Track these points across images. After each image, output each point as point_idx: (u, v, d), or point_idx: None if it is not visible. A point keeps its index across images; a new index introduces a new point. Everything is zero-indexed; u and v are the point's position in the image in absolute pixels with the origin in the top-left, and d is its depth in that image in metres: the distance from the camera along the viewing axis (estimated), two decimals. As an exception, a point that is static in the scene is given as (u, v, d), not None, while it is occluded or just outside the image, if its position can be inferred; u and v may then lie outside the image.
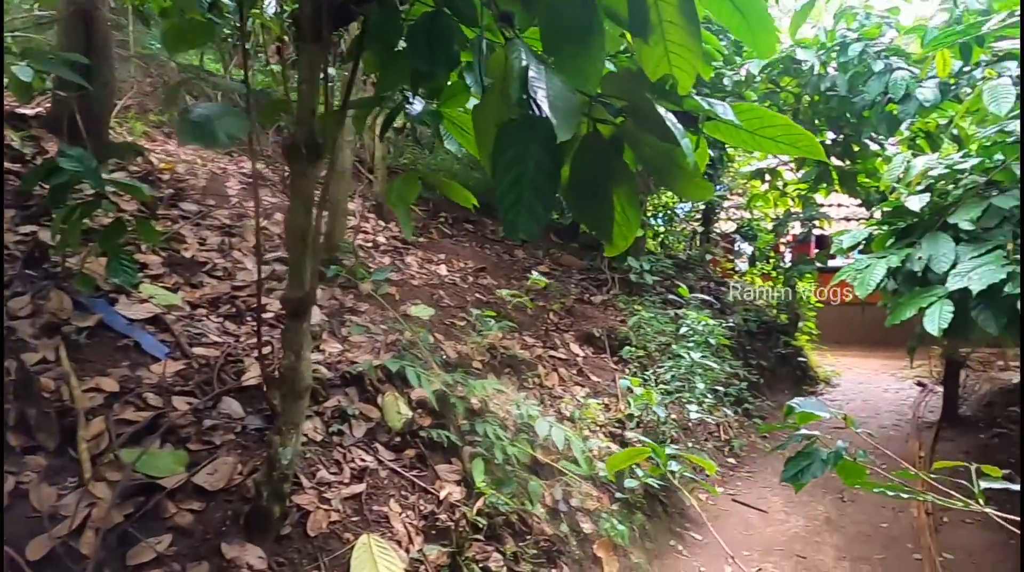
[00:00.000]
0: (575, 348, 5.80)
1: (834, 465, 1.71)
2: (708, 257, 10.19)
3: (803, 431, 1.82)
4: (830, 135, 7.93)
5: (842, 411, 5.99)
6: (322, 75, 2.38)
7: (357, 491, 2.84)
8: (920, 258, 4.22)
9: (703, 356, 5.30)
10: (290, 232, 2.36)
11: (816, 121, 7.61)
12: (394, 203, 2.67)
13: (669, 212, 10.09)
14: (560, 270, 7.49)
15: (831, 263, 9.28)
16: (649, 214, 9.08)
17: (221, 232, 4.66)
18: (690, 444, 5.09)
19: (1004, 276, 3.64)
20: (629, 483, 3.94)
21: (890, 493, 1.57)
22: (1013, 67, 4.88)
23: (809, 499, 4.97)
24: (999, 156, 4.43)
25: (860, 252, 5.40)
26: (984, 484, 1.65)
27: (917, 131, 7.16)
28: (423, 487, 3.08)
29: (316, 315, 4.06)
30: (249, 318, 3.79)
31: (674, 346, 5.66)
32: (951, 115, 6.56)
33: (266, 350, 3.36)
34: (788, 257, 11.51)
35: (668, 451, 1.84)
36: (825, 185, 8.42)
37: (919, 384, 8.73)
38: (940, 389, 7.47)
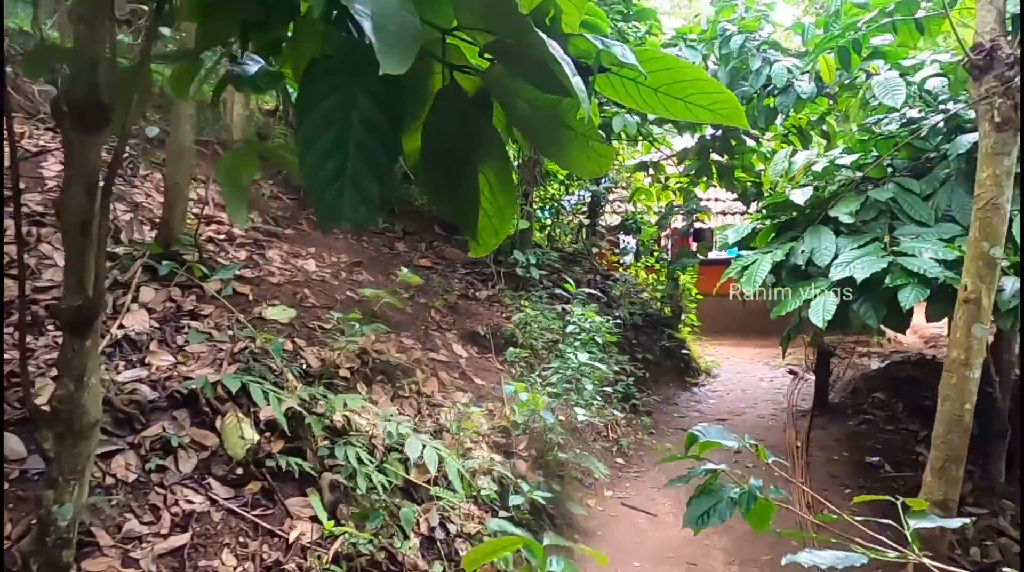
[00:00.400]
0: (458, 349, 5.40)
1: (747, 509, 1.41)
2: (595, 250, 10.11)
3: (708, 465, 1.52)
4: (709, 131, 8.01)
5: (724, 403, 5.95)
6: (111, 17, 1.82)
7: (179, 544, 2.29)
8: (803, 251, 4.19)
9: (591, 356, 5.06)
10: (64, 218, 1.77)
11: (697, 115, 7.63)
12: (223, 180, 2.14)
13: (556, 204, 9.90)
14: (443, 264, 7.05)
15: (710, 255, 9.52)
16: (536, 206, 8.82)
17: (28, 221, 3.86)
18: (579, 449, 4.84)
19: (885, 266, 3.64)
20: (514, 499, 3.60)
21: (821, 563, 1.29)
22: (882, 64, 5.02)
23: (697, 498, 4.86)
24: (874, 152, 4.51)
25: (739, 246, 5.38)
26: (913, 522, 1.42)
27: (790, 127, 7.38)
28: (268, 529, 2.57)
29: (144, 321, 3.40)
30: (51, 327, 3.09)
31: (561, 345, 5.40)
32: (821, 111, 6.78)
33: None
34: (669, 250, 11.73)
35: (546, 541, 1.48)
36: (705, 179, 8.53)
37: (791, 372, 9.07)
38: (811, 377, 7.76)
